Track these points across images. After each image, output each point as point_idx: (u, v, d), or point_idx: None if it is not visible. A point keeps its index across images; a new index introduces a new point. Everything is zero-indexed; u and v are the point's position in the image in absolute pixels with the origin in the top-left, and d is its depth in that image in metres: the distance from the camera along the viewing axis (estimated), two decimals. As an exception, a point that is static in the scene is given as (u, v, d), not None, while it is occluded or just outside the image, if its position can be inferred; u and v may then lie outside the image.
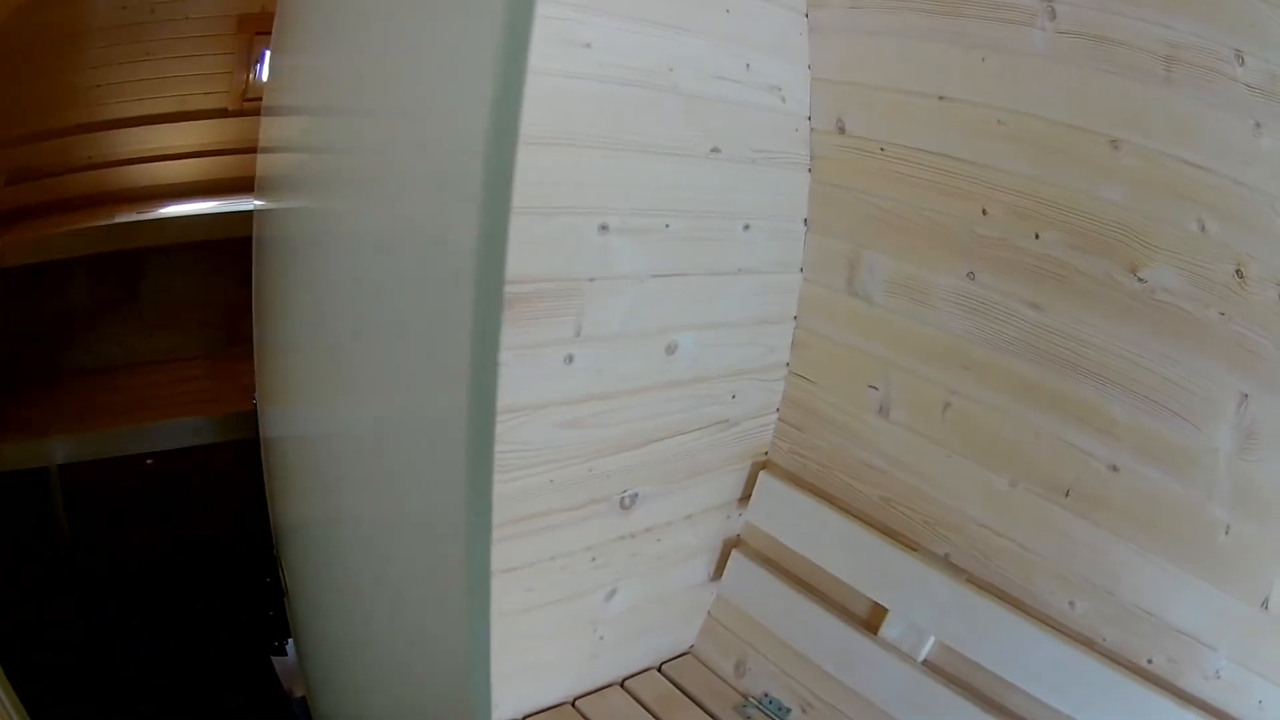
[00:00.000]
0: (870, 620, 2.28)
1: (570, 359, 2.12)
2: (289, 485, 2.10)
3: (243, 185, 3.92)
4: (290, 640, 2.80)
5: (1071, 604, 1.99)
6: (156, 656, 3.54)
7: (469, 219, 0.96)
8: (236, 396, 4.16)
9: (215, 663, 3.53)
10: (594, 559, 2.37)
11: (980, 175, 2.04)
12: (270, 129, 2.05)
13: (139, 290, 4.70)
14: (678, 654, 2.69)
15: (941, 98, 2.05)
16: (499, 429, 1.97)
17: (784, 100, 2.26)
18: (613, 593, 2.44)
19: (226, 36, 4.53)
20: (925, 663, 2.18)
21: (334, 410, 1.62)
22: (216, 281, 4.71)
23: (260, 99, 4.20)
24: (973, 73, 2.00)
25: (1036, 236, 1.96)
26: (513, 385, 2.04)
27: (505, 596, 2.23)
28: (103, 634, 3.77)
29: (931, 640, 2.17)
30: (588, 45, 1.95)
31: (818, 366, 2.45)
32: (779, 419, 2.54)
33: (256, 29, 4.46)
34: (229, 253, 4.01)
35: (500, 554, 2.15)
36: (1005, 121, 1.97)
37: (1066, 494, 1.99)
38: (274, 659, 3.05)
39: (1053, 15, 1.84)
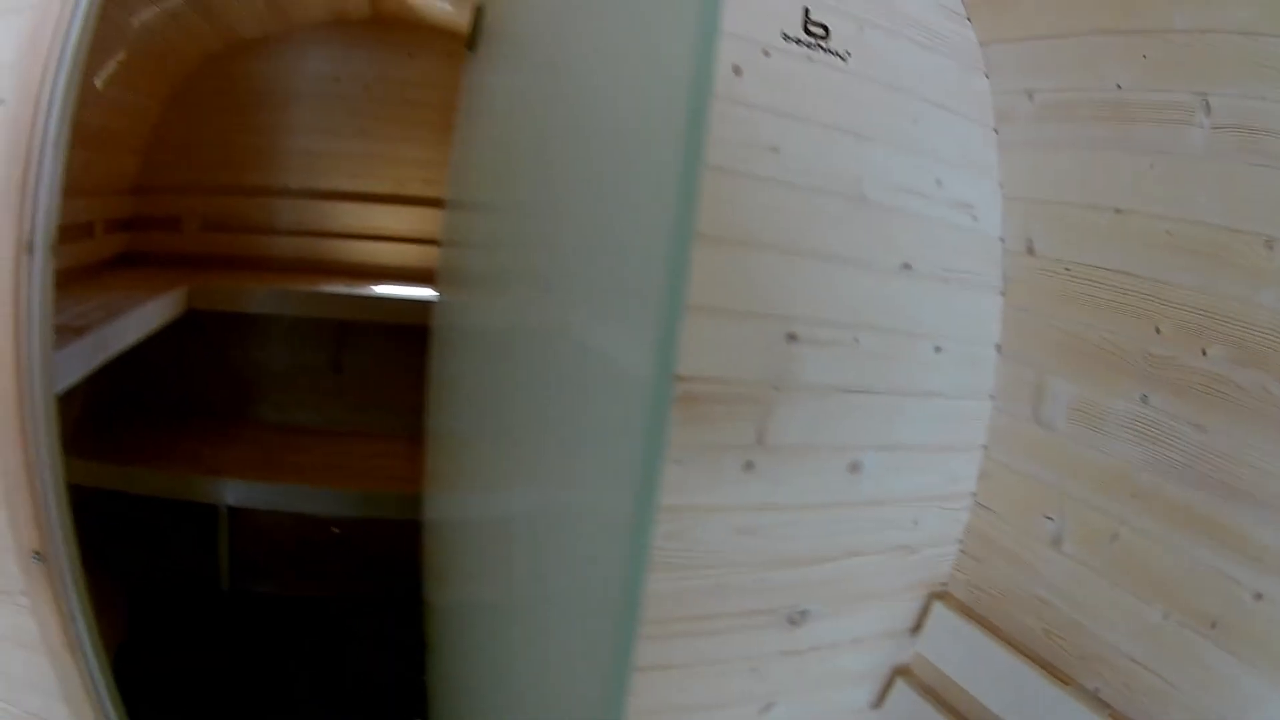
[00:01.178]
0: (1018, 761, 2.12)
1: (750, 465, 2.15)
2: (440, 565, 2.28)
3: (460, 278, 4.14)
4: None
5: (1204, 747, 1.80)
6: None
7: (642, 314, 1.05)
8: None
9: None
10: (754, 670, 2.33)
11: (1154, 291, 1.96)
12: (444, 223, 2.28)
13: (342, 363, 4.79)
14: (829, 778, 2.55)
15: (1118, 210, 2.01)
16: (674, 525, 2.09)
17: (975, 219, 2.27)
18: (769, 707, 2.38)
19: (448, 127, 4.75)
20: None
21: (491, 497, 1.79)
22: (425, 367, 4.78)
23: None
24: (1142, 180, 1.96)
25: (1204, 353, 1.86)
26: (689, 485, 2.09)
27: (656, 694, 2.24)
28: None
29: (1076, 781, 1.99)
30: (775, 149, 2.06)
31: (1000, 497, 2.35)
32: (960, 549, 2.44)
33: (477, 125, 4.60)
34: (440, 341, 4.46)
35: (659, 651, 2.20)
36: (1173, 231, 1.91)
37: (1213, 625, 1.82)
38: None
39: (1208, 109, 1.80)
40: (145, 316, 3.42)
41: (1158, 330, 1.95)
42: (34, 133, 1.98)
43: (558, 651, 1.35)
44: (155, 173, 4.58)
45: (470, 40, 1.99)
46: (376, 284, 4.42)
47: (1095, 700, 2.01)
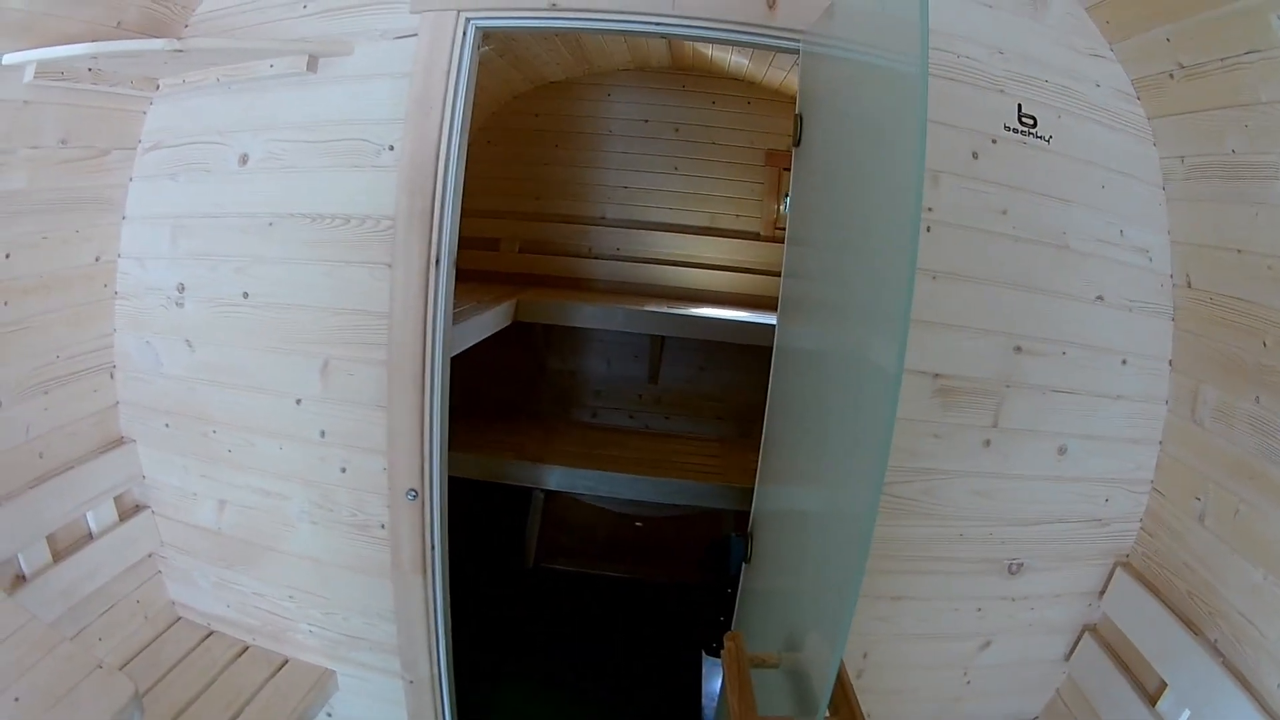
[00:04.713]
0: (1155, 694, 2.60)
1: (987, 443, 2.83)
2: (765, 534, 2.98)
3: (767, 303, 4.38)
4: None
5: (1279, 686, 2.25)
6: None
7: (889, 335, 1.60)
8: (738, 474, 4.46)
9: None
10: (979, 610, 2.95)
11: (1262, 313, 2.43)
12: (787, 256, 2.94)
13: (658, 375, 5.16)
14: (1023, 720, 3.08)
15: (1238, 250, 2.49)
16: (930, 484, 2.81)
17: (1150, 260, 2.79)
18: (987, 644, 2.98)
19: (754, 167, 5.01)
20: (1178, 737, 2.48)
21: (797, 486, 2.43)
22: (735, 382, 5.11)
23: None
24: (1251, 226, 2.44)
25: (1294, 361, 2.33)
26: (943, 454, 2.81)
27: (900, 620, 2.93)
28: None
29: (1187, 713, 2.47)
30: (1004, 212, 2.72)
31: (1169, 483, 2.81)
32: (1140, 527, 2.91)
33: (783, 165, 4.83)
34: (749, 359, 4.63)
35: (913, 583, 2.90)
36: (1273, 265, 2.38)
37: (1297, 588, 2.28)
38: (706, 659, 3.70)
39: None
40: (482, 323, 3.93)
41: (1264, 344, 2.42)
42: (436, 173, 2.67)
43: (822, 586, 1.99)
44: (469, 198, 4.96)
45: (795, 139, 2.70)
46: (690, 306, 4.76)
47: (1213, 648, 2.47)
